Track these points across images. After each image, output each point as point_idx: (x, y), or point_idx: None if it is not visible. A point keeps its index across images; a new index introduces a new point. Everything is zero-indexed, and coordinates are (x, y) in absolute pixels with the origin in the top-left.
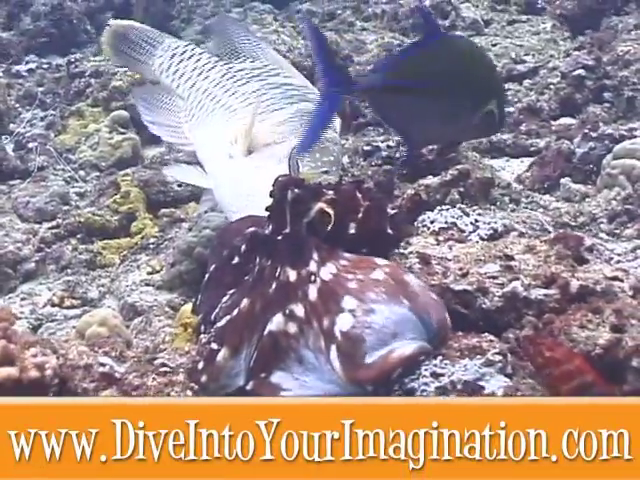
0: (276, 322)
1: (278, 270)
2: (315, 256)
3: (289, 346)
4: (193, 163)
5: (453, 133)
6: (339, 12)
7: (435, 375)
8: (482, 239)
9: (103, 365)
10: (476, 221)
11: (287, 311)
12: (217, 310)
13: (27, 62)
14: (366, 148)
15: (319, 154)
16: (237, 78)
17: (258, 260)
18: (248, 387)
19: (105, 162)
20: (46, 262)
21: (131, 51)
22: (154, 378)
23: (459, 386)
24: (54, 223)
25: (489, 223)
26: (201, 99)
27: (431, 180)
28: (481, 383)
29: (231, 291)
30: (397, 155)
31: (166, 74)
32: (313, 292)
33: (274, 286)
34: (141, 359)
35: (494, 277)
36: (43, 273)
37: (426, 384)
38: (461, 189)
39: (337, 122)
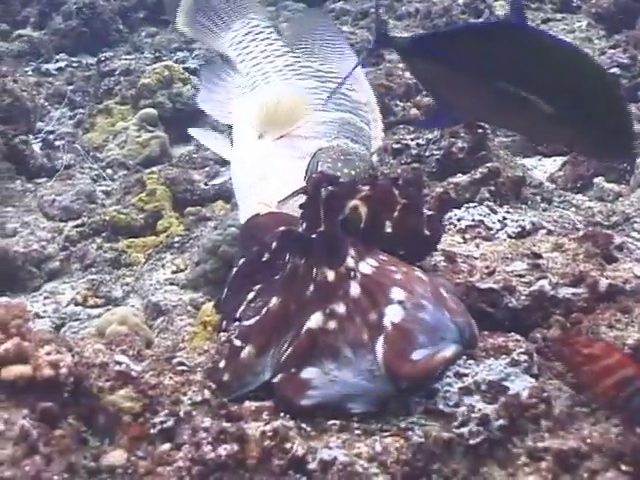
0: (315, 320)
1: (314, 271)
2: (352, 252)
3: (325, 342)
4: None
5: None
6: (372, 10)
7: (459, 375)
8: (510, 237)
9: (119, 363)
10: (504, 219)
11: (327, 310)
12: (243, 307)
13: (57, 61)
14: (395, 146)
15: (341, 164)
16: (299, 72)
17: (290, 258)
18: (275, 380)
19: (133, 160)
20: (70, 261)
21: (208, 21)
22: (171, 377)
23: (483, 387)
24: (79, 221)
25: (517, 221)
26: (257, 80)
27: (461, 178)
28: (505, 384)
29: (257, 287)
30: (427, 153)
31: (235, 48)
32: (355, 288)
33: (311, 288)
34: (159, 358)
35: (521, 275)
36: (67, 272)
37: (449, 384)
38: (492, 187)
39: (376, 145)
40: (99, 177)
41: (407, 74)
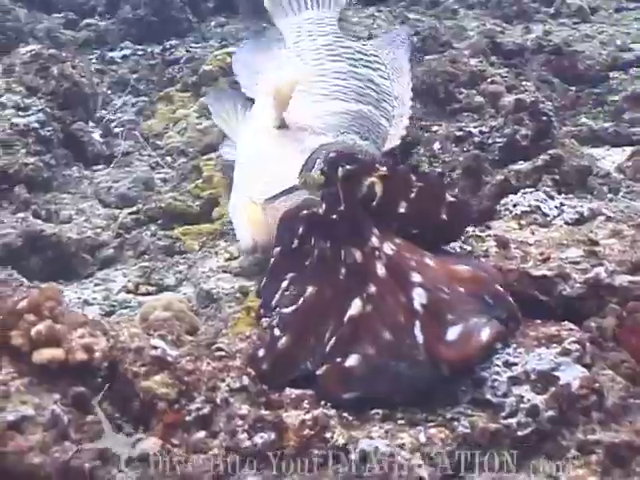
0: (355, 306)
1: (342, 253)
2: (376, 231)
3: (367, 327)
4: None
5: None
6: (442, 0)
7: (508, 364)
8: (567, 223)
9: (155, 348)
10: (561, 205)
11: (364, 294)
12: (278, 296)
13: (122, 49)
14: (458, 134)
15: None
16: (333, 54)
17: (316, 243)
18: (319, 372)
19: (193, 148)
20: (124, 248)
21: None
22: (209, 363)
23: (533, 376)
24: (134, 209)
25: (575, 207)
26: (291, 56)
27: (522, 165)
28: (556, 373)
29: (290, 275)
30: (489, 140)
31: (290, 27)
32: (381, 269)
33: (343, 271)
34: (199, 344)
35: (576, 262)
36: (121, 259)
37: (498, 373)
38: (555, 176)
39: (391, 144)
40: (157, 164)
41: (472, 61)
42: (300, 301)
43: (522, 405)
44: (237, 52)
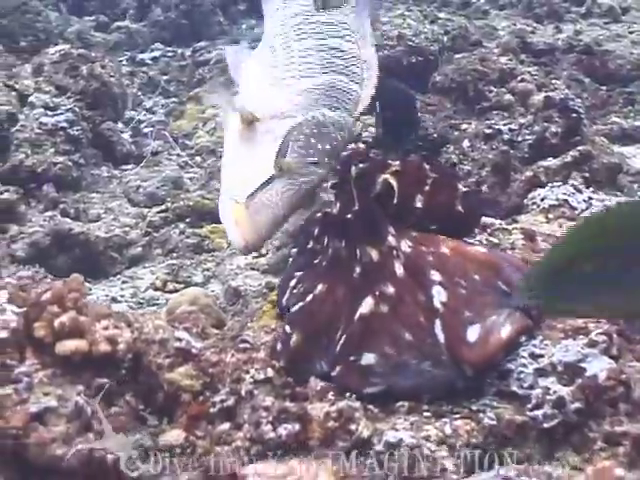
0: (366, 305)
1: (357, 251)
2: (392, 230)
3: (382, 327)
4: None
5: None
6: (474, 0)
7: (534, 356)
8: None
9: (179, 340)
10: (589, 198)
11: (377, 292)
12: (287, 295)
13: (152, 50)
14: (487, 131)
15: (315, 140)
16: (303, 31)
17: (330, 242)
18: (334, 373)
19: (222, 147)
20: (152, 246)
21: None
22: (233, 354)
23: (559, 368)
24: (163, 207)
25: (603, 201)
26: (266, 39)
27: (551, 162)
28: (582, 365)
29: (298, 274)
30: (519, 138)
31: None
32: (399, 268)
33: (358, 270)
34: (224, 336)
35: None
36: (149, 257)
37: (524, 365)
38: (585, 174)
39: (362, 106)
40: (186, 164)
41: (502, 59)
42: (308, 298)
43: (548, 397)
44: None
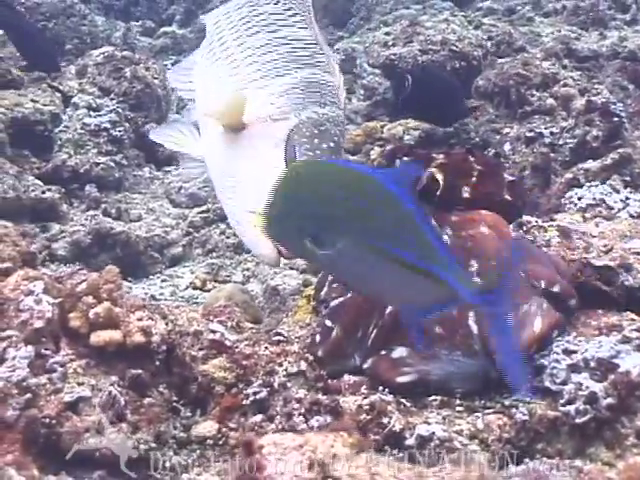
0: None
1: None
2: (432, 220)
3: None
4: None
5: None
6: (519, 8)
7: (567, 352)
8: (632, 216)
9: (213, 332)
10: (627, 198)
11: None
12: (326, 289)
13: None
14: (528, 135)
15: (319, 140)
16: (250, 26)
17: None
18: (365, 365)
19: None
20: (193, 246)
21: None
22: (266, 347)
23: (592, 364)
24: (204, 208)
25: None
26: (212, 40)
27: (591, 164)
28: (616, 361)
29: None
30: (560, 141)
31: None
32: None
33: None
34: (259, 330)
35: (639, 253)
36: (190, 257)
37: (557, 361)
38: (626, 177)
39: (343, 95)
40: None
41: (544, 64)
42: (349, 294)
43: (581, 392)
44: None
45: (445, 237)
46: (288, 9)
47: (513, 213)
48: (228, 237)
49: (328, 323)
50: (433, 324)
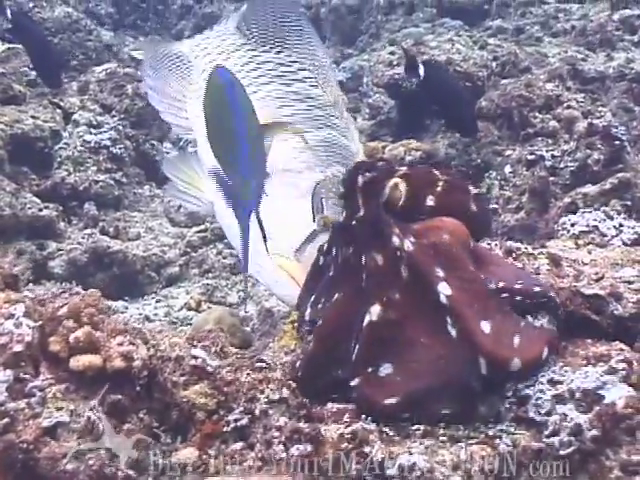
0: (374, 312)
1: (363, 257)
2: (396, 230)
3: (394, 333)
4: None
5: None
6: (527, 28)
7: (552, 382)
8: (625, 244)
9: (195, 358)
10: (620, 225)
11: (384, 298)
12: (309, 310)
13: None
14: (530, 157)
15: None
16: (260, 73)
17: (338, 250)
18: (353, 383)
19: None
20: (190, 266)
21: None
22: (248, 374)
23: (577, 395)
24: (202, 227)
25: (634, 227)
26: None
27: (589, 188)
28: (601, 392)
29: (318, 288)
30: (561, 164)
31: (189, 44)
32: (404, 270)
33: (364, 276)
34: (243, 355)
35: (630, 282)
36: (187, 277)
37: (542, 391)
38: (627, 202)
39: (359, 151)
40: None
41: (548, 86)
42: (327, 309)
43: (565, 424)
44: (145, 79)
45: (409, 245)
46: (294, 61)
47: (480, 225)
48: (225, 257)
49: (309, 338)
50: (416, 333)
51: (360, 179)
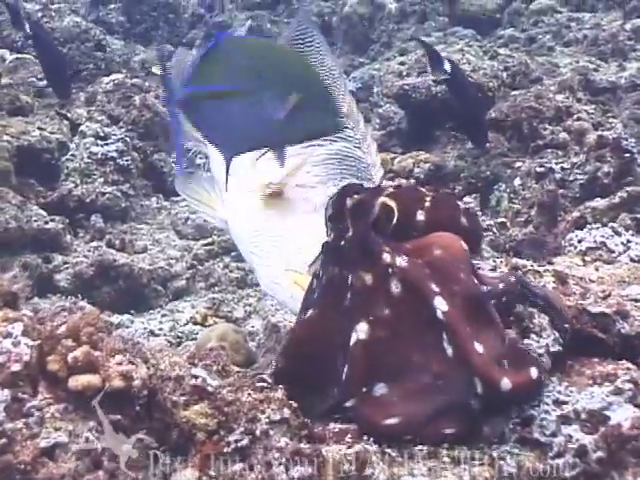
0: (362, 330)
1: (349, 277)
2: (387, 248)
3: (384, 351)
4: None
5: (262, 137)
6: (540, 37)
7: (558, 403)
8: (632, 260)
9: (195, 377)
10: (628, 242)
11: (371, 317)
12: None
13: None
14: (539, 170)
15: None
16: None
17: (324, 270)
18: (349, 404)
19: None
20: (196, 279)
21: None
22: (249, 394)
23: (583, 415)
24: (209, 240)
25: None
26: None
27: (598, 202)
28: (607, 413)
29: (302, 309)
30: (571, 177)
31: None
32: (396, 286)
33: (349, 296)
34: (245, 374)
35: (637, 300)
36: (192, 290)
37: (547, 412)
38: (637, 215)
39: (379, 175)
40: None
41: (558, 97)
42: (298, 326)
43: (570, 445)
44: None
45: (402, 262)
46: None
47: (472, 239)
48: (231, 271)
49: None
50: (409, 351)
51: (348, 201)
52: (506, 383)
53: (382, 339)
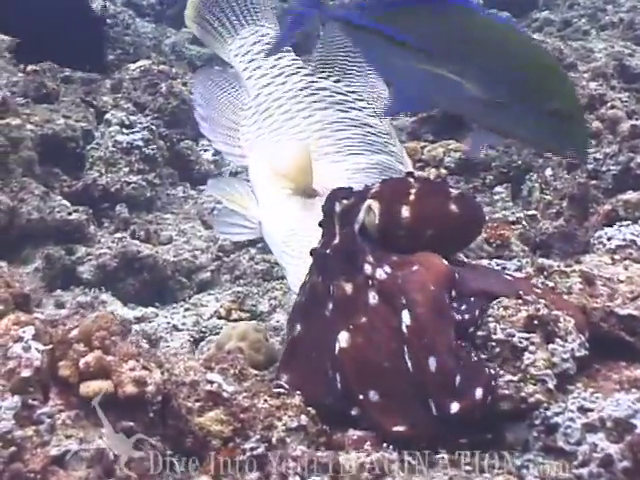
0: (343, 339)
1: (331, 287)
2: (370, 259)
3: (366, 359)
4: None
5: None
6: (575, 20)
7: (583, 410)
8: None
9: (210, 383)
10: None
11: (351, 326)
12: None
13: None
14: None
15: None
16: (316, 99)
17: (309, 278)
18: (354, 412)
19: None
20: (221, 271)
21: (215, 20)
22: (266, 400)
23: (609, 424)
24: None
25: None
26: (270, 107)
27: (631, 195)
28: (633, 421)
29: (291, 314)
30: (603, 168)
31: (241, 59)
32: (374, 297)
33: (330, 306)
34: (263, 379)
35: None
36: (217, 283)
37: (572, 420)
38: None
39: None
40: None
41: (591, 84)
42: (289, 340)
43: (595, 454)
44: (196, 109)
45: (382, 274)
46: (352, 91)
47: (466, 226)
48: (257, 263)
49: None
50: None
51: (337, 207)
52: (455, 406)
53: (360, 346)
